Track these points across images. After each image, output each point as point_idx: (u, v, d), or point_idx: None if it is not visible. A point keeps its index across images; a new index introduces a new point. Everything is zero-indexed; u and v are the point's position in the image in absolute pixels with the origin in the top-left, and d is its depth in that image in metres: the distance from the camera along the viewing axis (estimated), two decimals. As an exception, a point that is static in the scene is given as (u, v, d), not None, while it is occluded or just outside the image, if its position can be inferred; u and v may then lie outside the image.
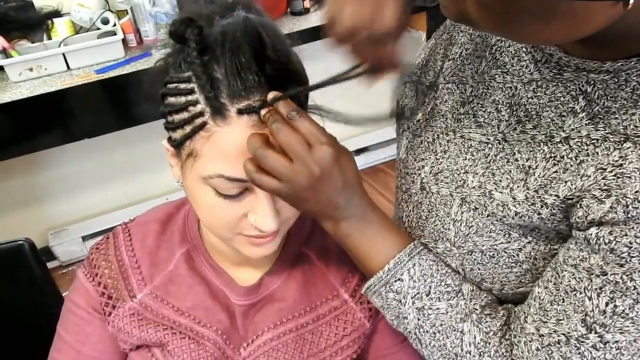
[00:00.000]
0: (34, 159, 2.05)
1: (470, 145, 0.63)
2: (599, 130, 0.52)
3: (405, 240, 0.64)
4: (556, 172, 0.54)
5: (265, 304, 0.72)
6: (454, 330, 0.61)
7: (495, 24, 0.45)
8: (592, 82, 0.52)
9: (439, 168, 0.65)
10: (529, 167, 0.56)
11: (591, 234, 0.51)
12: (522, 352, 0.57)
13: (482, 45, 0.64)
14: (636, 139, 0.49)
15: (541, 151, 0.55)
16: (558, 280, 0.55)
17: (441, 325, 0.61)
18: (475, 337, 0.60)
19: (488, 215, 0.59)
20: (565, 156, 0.53)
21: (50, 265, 2.19)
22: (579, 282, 0.53)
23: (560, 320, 0.54)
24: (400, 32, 0.58)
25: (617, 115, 0.51)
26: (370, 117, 0.63)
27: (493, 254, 0.61)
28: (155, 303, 0.71)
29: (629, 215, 0.48)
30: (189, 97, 0.56)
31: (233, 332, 0.72)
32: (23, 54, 1.72)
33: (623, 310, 0.50)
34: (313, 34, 1.91)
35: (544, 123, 0.56)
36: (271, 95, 0.55)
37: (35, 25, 1.82)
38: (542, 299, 0.57)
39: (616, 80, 0.51)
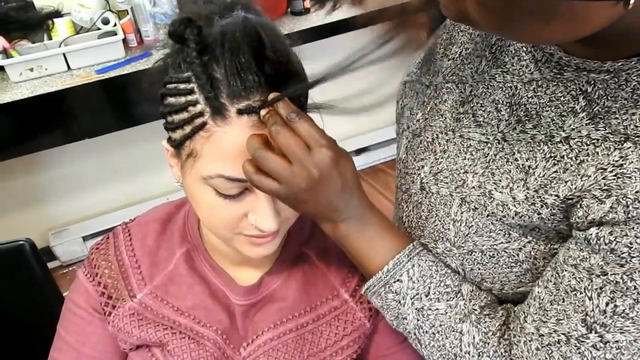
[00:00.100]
0: (35, 159, 2.05)
1: (470, 144, 0.63)
2: (599, 130, 0.52)
3: (404, 241, 0.64)
4: (556, 172, 0.54)
5: (265, 304, 0.72)
6: (453, 331, 0.61)
7: (495, 24, 0.45)
8: (592, 82, 0.52)
9: (438, 168, 0.65)
10: (529, 166, 0.56)
11: (591, 234, 0.51)
12: (521, 352, 0.57)
13: (482, 45, 0.64)
14: (636, 139, 0.49)
15: (541, 151, 0.55)
16: (558, 280, 0.55)
17: (440, 325, 0.61)
18: (474, 338, 0.60)
19: (488, 215, 0.59)
20: (565, 156, 0.53)
21: (50, 265, 2.20)
22: (579, 282, 0.53)
23: (561, 320, 0.54)
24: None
25: (617, 115, 0.51)
26: (365, 105, 0.61)
27: (493, 254, 0.61)
28: (155, 303, 0.71)
29: (629, 216, 0.48)
30: (189, 97, 0.56)
31: (233, 332, 0.72)
32: (23, 54, 1.72)
33: (623, 310, 0.50)
34: (313, 34, 1.91)
35: (544, 123, 0.56)
36: (272, 96, 0.55)
37: (35, 26, 1.82)
38: (542, 299, 0.57)
39: (616, 80, 0.51)
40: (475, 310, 0.62)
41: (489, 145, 0.61)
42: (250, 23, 0.57)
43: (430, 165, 0.67)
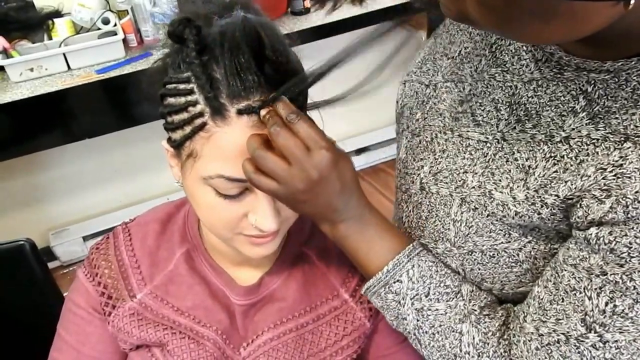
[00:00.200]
0: (35, 159, 2.05)
1: (469, 144, 0.63)
2: (599, 130, 0.51)
3: (403, 242, 0.64)
4: (556, 171, 0.54)
5: (265, 304, 0.72)
6: (453, 331, 0.61)
7: (496, 23, 0.45)
8: (592, 82, 0.52)
9: (438, 168, 0.65)
10: (529, 166, 0.56)
11: (591, 234, 0.51)
12: (521, 352, 0.57)
13: (482, 44, 0.64)
14: (636, 138, 0.49)
15: (541, 151, 0.55)
16: (558, 279, 0.55)
17: (440, 326, 0.61)
18: (473, 338, 0.60)
19: (488, 215, 0.59)
20: (565, 156, 0.53)
21: (51, 265, 2.19)
22: (578, 281, 0.53)
23: (560, 319, 0.54)
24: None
25: (617, 115, 0.51)
26: (356, 86, 0.60)
27: (493, 254, 0.61)
28: (155, 303, 0.71)
29: (629, 216, 0.48)
30: (189, 98, 0.56)
31: (233, 332, 0.72)
32: (24, 54, 1.72)
33: (623, 310, 0.50)
34: (313, 34, 1.91)
35: (544, 122, 0.56)
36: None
37: (35, 26, 1.82)
38: (542, 299, 0.57)
39: (616, 80, 0.51)
40: (475, 310, 0.62)
41: (488, 144, 0.60)
42: (249, 23, 0.57)
43: (430, 165, 0.67)
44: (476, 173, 0.61)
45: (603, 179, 0.50)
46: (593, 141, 0.51)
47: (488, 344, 0.60)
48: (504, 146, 0.59)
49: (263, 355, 0.71)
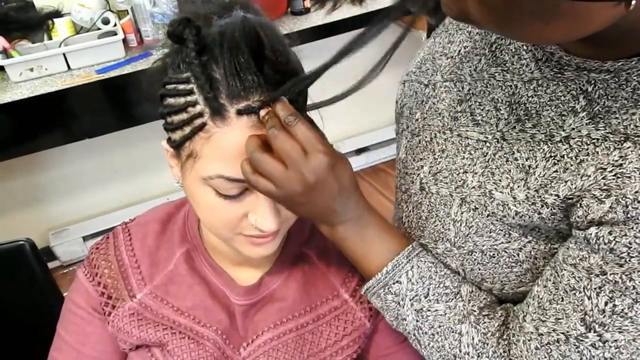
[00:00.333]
0: (35, 159, 2.05)
1: (468, 144, 0.63)
2: (599, 129, 0.51)
3: (403, 243, 0.64)
4: (556, 171, 0.54)
5: (265, 304, 0.72)
6: (452, 332, 0.61)
7: (496, 23, 0.45)
8: (592, 82, 0.52)
9: (437, 168, 0.65)
10: (529, 166, 0.56)
11: (591, 234, 0.51)
12: (520, 352, 0.57)
13: (482, 43, 0.64)
14: (636, 138, 0.49)
15: (541, 150, 0.55)
16: (557, 279, 0.55)
17: (439, 326, 0.61)
18: (473, 339, 0.60)
19: (488, 215, 0.59)
20: (565, 155, 0.53)
21: (51, 265, 2.20)
22: (578, 281, 0.53)
23: (560, 319, 0.54)
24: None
25: (617, 115, 0.51)
26: (356, 85, 0.59)
27: (493, 254, 0.61)
28: (155, 303, 0.71)
29: (629, 216, 0.48)
30: (188, 98, 0.56)
31: (233, 332, 0.72)
32: (24, 54, 1.72)
33: (622, 310, 0.50)
34: (313, 34, 1.91)
35: (544, 122, 0.56)
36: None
37: (35, 26, 1.82)
38: (541, 298, 0.57)
39: (617, 79, 0.51)
40: (474, 311, 0.62)
41: (488, 144, 0.60)
42: (249, 23, 0.57)
43: (430, 165, 0.67)
44: (476, 173, 0.61)
45: (603, 178, 0.50)
46: (593, 141, 0.51)
47: (487, 344, 0.60)
48: (504, 146, 0.59)
49: (263, 355, 0.71)
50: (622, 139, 0.49)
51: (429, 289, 0.62)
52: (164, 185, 2.27)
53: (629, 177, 0.48)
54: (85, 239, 2.25)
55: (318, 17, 1.99)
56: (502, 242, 0.60)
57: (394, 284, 0.62)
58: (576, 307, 0.53)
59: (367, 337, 0.75)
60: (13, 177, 2.10)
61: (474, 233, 0.61)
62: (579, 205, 0.52)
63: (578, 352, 0.53)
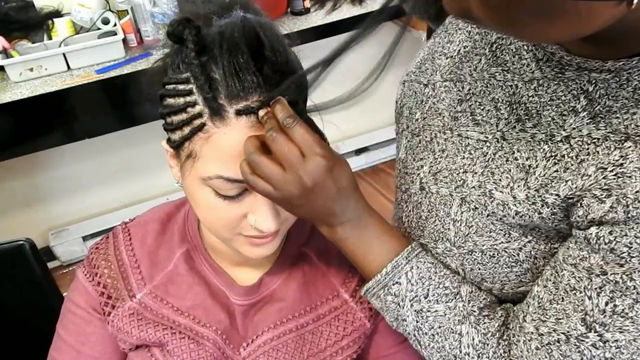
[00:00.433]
0: (35, 159, 2.05)
1: (468, 143, 0.62)
2: (600, 129, 0.51)
3: (402, 243, 0.64)
4: (557, 171, 0.54)
5: (265, 304, 0.72)
6: (452, 332, 0.61)
7: (498, 21, 0.45)
8: (593, 81, 0.52)
9: (437, 167, 0.65)
10: (529, 166, 0.56)
11: (591, 234, 0.51)
12: (521, 352, 0.57)
13: (482, 43, 0.64)
14: (637, 138, 0.49)
15: (541, 150, 0.55)
16: (558, 279, 0.55)
17: (439, 327, 0.61)
18: (473, 339, 0.60)
19: (488, 215, 0.59)
20: (566, 155, 0.53)
21: (50, 265, 2.19)
22: (578, 281, 0.53)
23: (560, 319, 0.54)
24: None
25: (618, 115, 0.51)
26: (358, 87, 0.60)
27: (493, 254, 0.61)
28: (155, 303, 0.71)
29: (629, 215, 0.48)
30: (188, 98, 0.56)
31: (233, 332, 0.71)
32: (23, 54, 1.72)
33: (623, 310, 0.50)
34: (313, 34, 1.91)
35: (544, 122, 0.56)
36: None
37: (35, 26, 1.82)
38: (542, 298, 0.57)
39: (617, 79, 0.51)
40: (474, 311, 0.62)
41: (488, 144, 0.60)
42: (248, 23, 0.56)
43: (430, 164, 0.67)
44: (476, 172, 0.61)
45: (603, 178, 0.50)
46: (594, 140, 0.51)
47: (487, 344, 0.60)
48: (504, 145, 0.59)
49: (263, 355, 0.71)
50: (623, 138, 0.49)
51: (428, 290, 0.62)
52: (164, 186, 2.27)
53: (630, 177, 0.48)
54: (85, 238, 2.24)
55: (318, 17, 1.98)
56: (502, 242, 0.60)
57: (393, 285, 0.62)
58: (577, 307, 0.53)
59: (367, 338, 0.75)
60: (13, 177, 2.10)
61: (474, 233, 0.61)
62: (579, 205, 0.52)
63: (579, 352, 0.53)
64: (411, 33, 2.23)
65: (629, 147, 0.49)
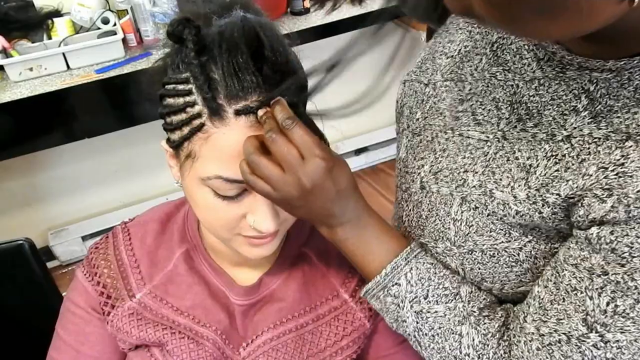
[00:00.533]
0: (34, 159, 2.05)
1: (469, 143, 0.62)
2: (601, 129, 0.51)
3: (402, 244, 0.64)
4: (557, 170, 0.54)
5: (264, 304, 0.72)
6: (452, 333, 0.61)
7: (500, 19, 0.45)
8: (594, 81, 0.52)
9: (438, 167, 0.65)
10: (530, 165, 0.56)
11: (592, 234, 0.51)
12: (521, 352, 0.57)
13: (482, 43, 0.64)
14: (638, 137, 0.49)
15: (542, 149, 0.55)
16: (558, 279, 0.55)
17: (439, 328, 0.61)
18: (473, 340, 0.60)
19: (488, 215, 0.59)
20: (566, 155, 0.53)
21: (50, 265, 2.19)
22: (579, 281, 0.53)
23: (561, 319, 0.54)
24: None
25: (619, 114, 0.51)
26: (356, 100, 0.60)
27: (493, 253, 0.61)
28: (155, 303, 0.71)
29: (630, 215, 0.47)
30: (187, 98, 0.56)
31: (232, 332, 0.71)
32: (23, 54, 1.71)
33: (624, 310, 0.50)
34: (313, 34, 1.91)
35: (545, 121, 0.56)
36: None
37: (35, 25, 1.82)
38: (542, 298, 0.57)
39: (619, 79, 0.51)
40: (474, 312, 0.62)
41: (489, 143, 0.60)
42: (248, 23, 0.56)
43: (430, 164, 0.66)
44: (477, 172, 0.60)
45: (604, 178, 0.49)
46: (595, 140, 0.51)
47: (488, 345, 0.60)
48: (505, 145, 0.59)
49: (263, 355, 0.71)
50: (624, 138, 0.49)
51: (428, 291, 0.62)
52: (164, 185, 2.27)
53: (631, 177, 0.48)
54: (84, 238, 2.24)
55: (318, 17, 1.98)
56: (502, 242, 0.60)
57: (393, 286, 0.62)
58: (578, 307, 0.53)
59: (367, 338, 0.74)
60: (12, 176, 2.10)
61: (474, 232, 0.61)
62: (580, 205, 0.52)
63: (580, 352, 0.53)
64: (411, 33, 2.23)
65: (630, 146, 0.49)
